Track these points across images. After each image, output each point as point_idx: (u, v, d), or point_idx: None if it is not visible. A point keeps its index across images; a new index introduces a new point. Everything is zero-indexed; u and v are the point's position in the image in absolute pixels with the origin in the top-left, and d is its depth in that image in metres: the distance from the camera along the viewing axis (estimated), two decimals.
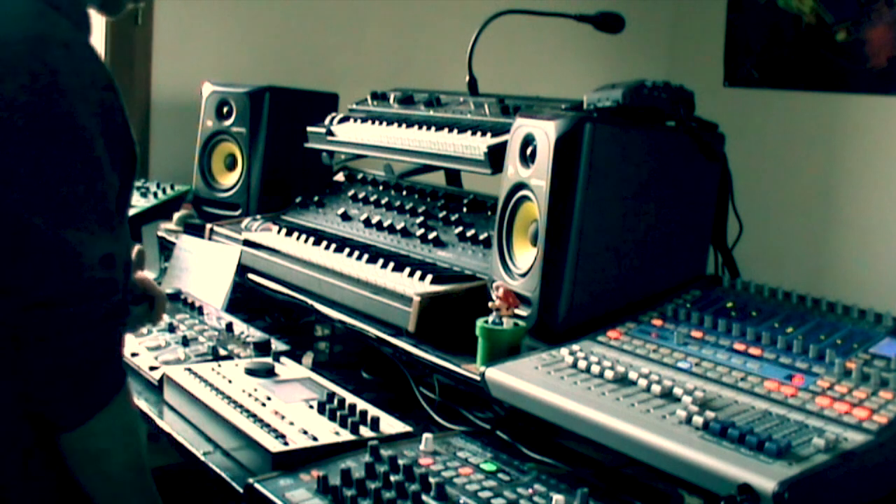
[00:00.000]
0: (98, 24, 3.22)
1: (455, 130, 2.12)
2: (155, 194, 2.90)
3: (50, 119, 1.28)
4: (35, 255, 1.27)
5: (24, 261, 1.26)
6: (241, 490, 1.44)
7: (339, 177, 2.58)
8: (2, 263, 1.26)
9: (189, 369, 1.81)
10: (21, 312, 1.27)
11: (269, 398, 1.69)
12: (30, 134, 1.27)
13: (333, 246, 2.16)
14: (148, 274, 2.32)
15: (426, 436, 1.52)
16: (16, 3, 1.35)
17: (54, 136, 1.28)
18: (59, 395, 1.31)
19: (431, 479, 1.36)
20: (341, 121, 2.47)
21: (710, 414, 1.31)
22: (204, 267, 2.40)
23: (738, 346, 1.49)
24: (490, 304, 1.68)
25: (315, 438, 1.52)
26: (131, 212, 2.77)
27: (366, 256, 2.06)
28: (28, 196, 1.27)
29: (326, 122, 2.48)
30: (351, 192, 2.47)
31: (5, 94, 1.27)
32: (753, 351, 1.47)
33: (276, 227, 2.38)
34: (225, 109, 2.72)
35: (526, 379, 1.51)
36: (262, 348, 1.97)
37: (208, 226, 2.55)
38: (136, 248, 1.80)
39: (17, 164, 1.26)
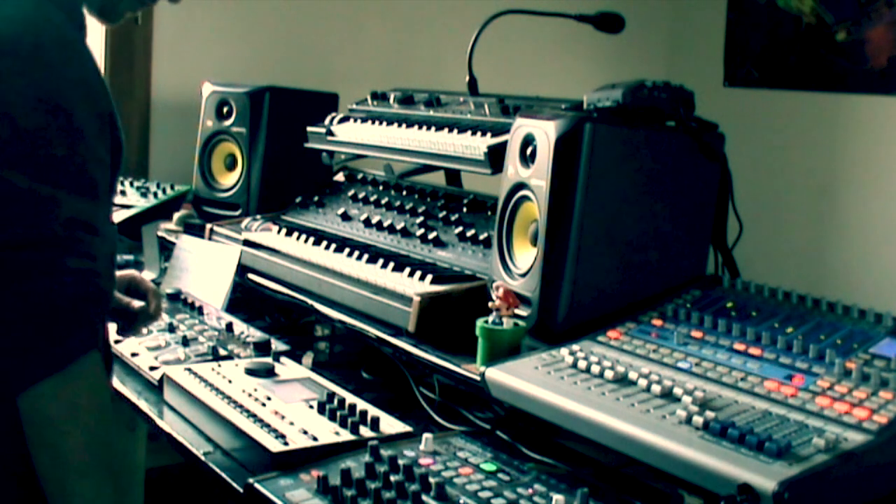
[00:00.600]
0: (98, 24, 3.23)
1: (455, 130, 2.12)
2: (155, 194, 2.90)
3: (35, 92, 1.35)
4: (5, 203, 1.31)
5: None
6: (241, 490, 1.44)
7: (339, 177, 2.58)
8: None
9: (189, 369, 1.81)
10: None
11: (269, 398, 1.69)
12: (13, 104, 1.34)
13: (333, 246, 2.16)
14: (147, 274, 2.33)
15: (426, 436, 1.52)
16: None
17: (37, 106, 1.35)
18: (15, 346, 1.30)
19: (431, 479, 1.36)
20: (341, 121, 2.47)
21: (710, 414, 1.31)
22: (204, 267, 2.40)
23: (738, 346, 1.49)
24: (490, 304, 1.68)
25: (315, 438, 1.52)
26: (131, 212, 2.82)
27: (366, 256, 2.06)
28: (7, 155, 1.32)
29: (326, 122, 2.48)
30: (351, 192, 2.47)
31: None
32: (753, 351, 1.47)
33: (276, 227, 2.38)
34: (225, 109, 2.72)
35: (526, 379, 1.51)
36: (262, 348, 1.97)
37: (208, 226, 2.55)
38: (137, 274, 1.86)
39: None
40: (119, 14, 1.61)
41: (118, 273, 1.80)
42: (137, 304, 1.78)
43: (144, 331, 2.04)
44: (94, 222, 1.37)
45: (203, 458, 1.57)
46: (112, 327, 2.04)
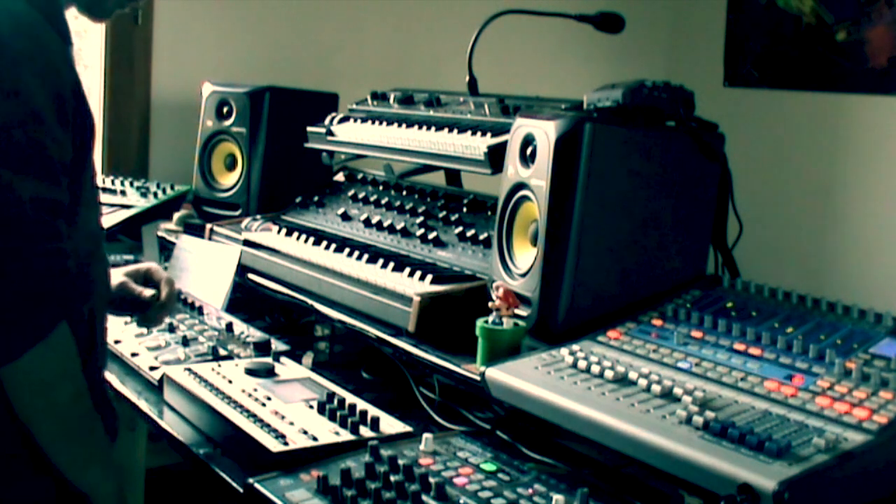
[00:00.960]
0: (91, 22, 3.23)
1: (455, 130, 2.12)
2: (155, 194, 2.90)
3: None
4: None
5: None
6: (241, 490, 1.44)
7: (339, 177, 2.58)
8: None
9: (189, 369, 1.81)
10: None
11: (269, 398, 1.69)
12: None
13: (333, 246, 2.16)
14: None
15: (426, 436, 1.52)
16: None
17: None
18: None
19: (431, 479, 1.36)
20: (341, 121, 2.47)
21: (710, 414, 1.31)
22: (204, 267, 2.40)
23: (738, 346, 1.49)
24: (490, 304, 1.68)
25: (315, 438, 1.52)
26: (131, 212, 2.82)
27: (366, 256, 2.06)
28: None
29: (326, 122, 2.48)
30: (351, 192, 2.47)
31: None
32: (753, 351, 1.47)
33: (276, 227, 2.37)
34: (225, 109, 2.72)
35: (526, 379, 1.51)
36: (262, 348, 1.97)
37: (208, 226, 2.55)
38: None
39: None
40: (107, 11, 1.63)
41: (135, 266, 1.86)
42: (148, 292, 1.81)
43: (144, 330, 2.04)
44: (61, 204, 1.40)
45: (203, 458, 1.57)
46: (121, 321, 2.04)
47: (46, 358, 1.39)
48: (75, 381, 1.44)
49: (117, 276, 1.80)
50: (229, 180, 2.73)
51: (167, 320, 2.12)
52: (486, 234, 2.01)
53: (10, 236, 1.34)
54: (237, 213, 2.67)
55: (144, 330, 2.06)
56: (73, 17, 1.60)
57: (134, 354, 1.96)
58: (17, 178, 1.36)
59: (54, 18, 1.51)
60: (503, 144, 1.85)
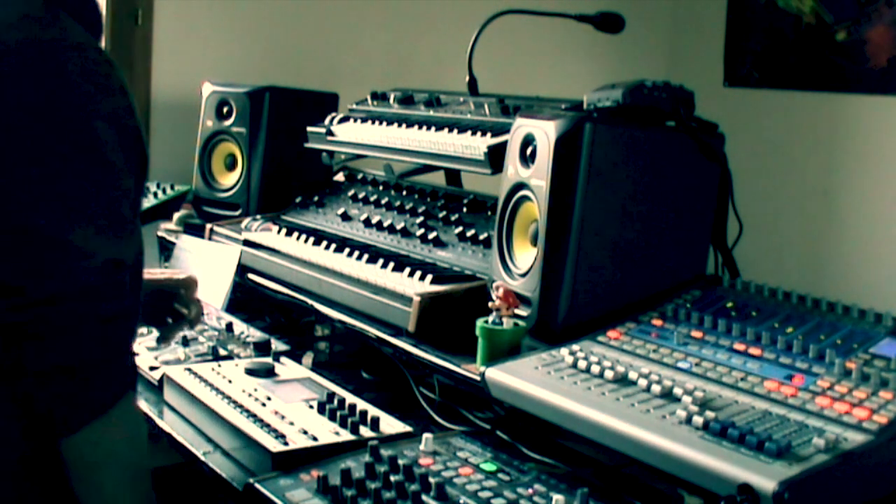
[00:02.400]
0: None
1: (455, 130, 2.12)
2: (155, 194, 2.90)
3: (60, 122, 1.28)
4: (39, 254, 1.26)
5: (28, 259, 1.26)
6: (241, 490, 1.44)
7: (339, 177, 2.58)
8: (5, 262, 1.26)
9: (189, 369, 1.81)
10: (23, 310, 1.26)
11: (269, 398, 1.69)
12: (39, 136, 1.27)
13: (333, 246, 2.16)
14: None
15: (426, 436, 1.52)
16: (28, 6, 1.35)
17: (64, 138, 1.28)
18: (60, 395, 1.29)
19: (431, 479, 1.36)
20: (341, 121, 2.47)
21: (710, 414, 1.31)
22: (204, 267, 2.40)
23: (738, 346, 1.49)
24: (490, 304, 1.68)
25: (315, 438, 1.52)
26: None
27: (366, 256, 2.06)
28: (35, 197, 1.26)
29: (326, 122, 2.48)
30: (351, 192, 2.47)
31: (16, 97, 1.27)
32: (753, 351, 1.47)
33: (276, 227, 2.37)
34: (225, 109, 2.72)
35: (526, 379, 1.51)
36: (262, 348, 1.97)
37: (208, 226, 2.55)
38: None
39: (26, 166, 1.26)
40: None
41: (176, 275, 1.91)
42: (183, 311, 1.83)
43: (143, 330, 2.04)
44: (125, 257, 1.33)
45: (203, 458, 1.57)
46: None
47: (114, 428, 1.33)
48: (139, 457, 1.39)
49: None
50: (229, 180, 2.73)
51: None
52: (486, 234, 2.01)
53: (81, 300, 1.27)
54: (237, 213, 2.67)
55: (144, 330, 2.06)
56: None
57: (134, 354, 1.96)
58: (93, 239, 1.28)
59: (98, 36, 1.43)
60: (503, 144, 1.85)
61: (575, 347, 1.58)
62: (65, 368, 1.28)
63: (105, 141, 1.30)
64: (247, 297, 2.36)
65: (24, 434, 1.33)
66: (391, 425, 1.60)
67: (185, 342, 2.01)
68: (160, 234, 2.71)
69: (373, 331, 1.90)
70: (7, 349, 1.27)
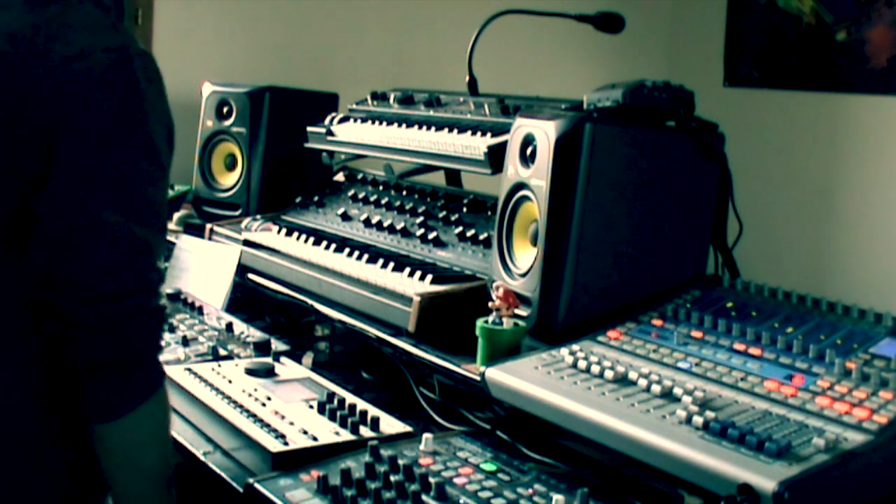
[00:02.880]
0: None
1: (455, 130, 2.12)
2: None
3: (130, 126, 1.35)
4: (105, 250, 1.31)
5: (93, 256, 1.31)
6: (241, 490, 1.44)
7: (339, 177, 2.58)
8: (71, 258, 1.31)
9: (189, 369, 1.81)
10: (83, 304, 1.31)
11: (269, 398, 1.69)
12: (112, 139, 1.34)
13: (333, 246, 2.16)
14: None
15: (426, 436, 1.52)
16: (94, 15, 1.42)
17: (134, 142, 1.35)
18: (107, 386, 1.34)
19: (431, 479, 1.36)
20: (341, 121, 2.47)
21: (710, 414, 1.31)
22: (204, 267, 2.40)
23: (738, 346, 1.49)
24: (490, 304, 1.68)
25: (315, 438, 1.52)
26: None
27: (366, 256, 2.06)
28: (108, 196, 1.32)
29: (326, 122, 2.48)
30: (351, 192, 2.47)
31: (93, 101, 1.33)
32: (753, 351, 1.47)
33: (276, 227, 2.37)
34: (225, 109, 2.72)
35: (526, 379, 1.51)
36: (262, 348, 1.97)
37: (208, 226, 2.55)
38: None
39: (100, 166, 1.33)
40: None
41: None
42: None
43: None
44: (160, 251, 1.41)
45: (203, 458, 1.57)
46: None
47: (147, 420, 1.39)
48: (166, 444, 1.44)
49: None
50: (229, 180, 2.73)
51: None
52: (486, 234, 2.01)
53: (139, 295, 1.33)
54: (237, 213, 2.67)
55: None
56: None
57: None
58: (152, 237, 1.35)
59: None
60: (503, 144, 1.85)
61: (575, 347, 1.58)
62: (116, 360, 1.33)
63: (159, 143, 1.39)
64: (247, 297, 2.36)
65: (53, 419, 1.39)
66: (391, 425, 1.60)
67: (185, 342, 2.01)
68: None
69: (373, 331, 1.90)
70: (59, 342, 1.33)
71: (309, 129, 2.52)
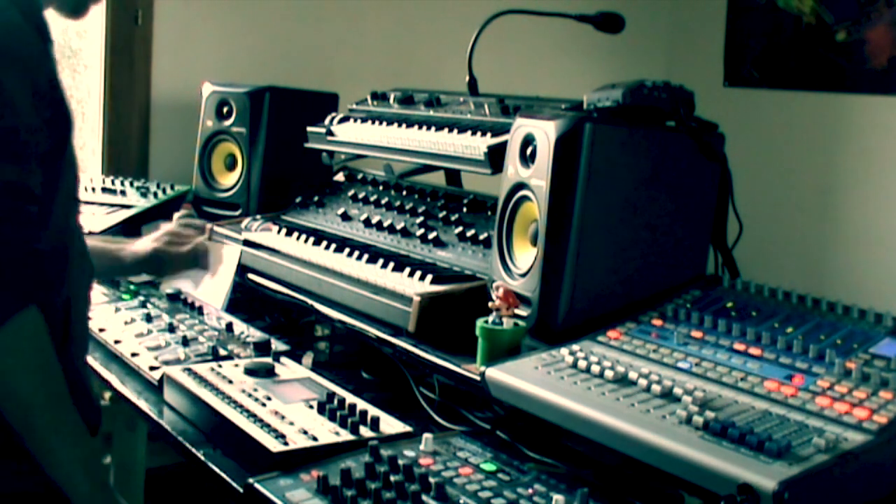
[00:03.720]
0: (98, 24, 3.24)
1: (455, 130, 2.12)
2: (155, 194, 2.90)
3: None
4: None
5: None
6: (241, 490, 1.44)
7: (339, 177, 2.58)
8: None
9: (189, 369, 1.81)
10: None
11: (269, 398, 1.69)
12: None
13: (333, 246, 2.16)
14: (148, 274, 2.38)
15: (426, 436, 1.52)
16: None
17: None
18: None
19: (431, 479, 1.36)
20: (341, 121, 2.47)
21: (710, 414, 1.31)
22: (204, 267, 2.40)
23: (738, 346, 1.49)
24: (490, 304, 1.68)
25: (315, 438, 1.52)
26: (131, 212, 2.82)
27: (366, 256, 2.06)
28: None
29: (326, 122, 2.48)
30: (351, 192, 2.47)
31: None
32: (753, 351, 1.47)
33: (276, 227, 2.38)
34: (225, 109, 2.72)
35: (526, 379, 1.51)
36: (262, 348, 1.97)
37: (208, 226, 2.55)
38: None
39: None
40: (83, 7, 1.71)
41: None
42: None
43: (143, 330, 2.04)
44: (31, 188, 1.43)
45: (203, 458, 1.57)
46: (120, 321, 2.05)
47: (14, 339, 1.41)
48: (46, 369, 1.46)
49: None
50: (229, 180, 2.73)
51: (167, 319, 2.12)
52: (486, 234, 2.01)
53: None
54: (237, 213, 2.67)
55: (144, 330, 2.06)
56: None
57: (134, 354, 1.96)
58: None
59: (33, 17, 1.55)
60: (503, 144, 1.85)
61: (575, 347, 1.58)
62: None
63: (6, 83, 1.42)
64: (247, 297, 2.36)
65: None
66: (391, 425, 1.60)
67: (185, 342, 2.01)
68: None
69: (373, 331, 1.90)
70: None
71: (309, 129, 2.52)
